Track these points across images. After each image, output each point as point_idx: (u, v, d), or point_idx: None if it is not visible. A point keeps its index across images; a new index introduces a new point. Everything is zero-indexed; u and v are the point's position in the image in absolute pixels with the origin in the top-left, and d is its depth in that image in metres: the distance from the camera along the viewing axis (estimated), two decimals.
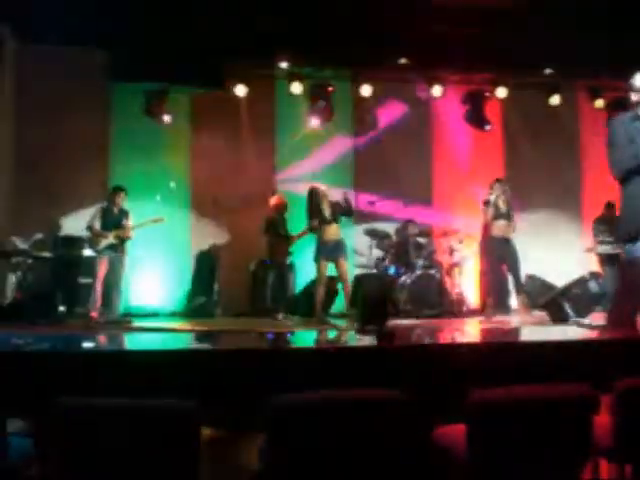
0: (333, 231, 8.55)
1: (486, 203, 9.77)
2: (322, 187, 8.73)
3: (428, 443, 2.74)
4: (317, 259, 8.57)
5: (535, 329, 6.64)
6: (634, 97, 4.82)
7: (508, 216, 9.65)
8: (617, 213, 10.47)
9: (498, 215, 9.58)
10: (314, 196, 8.61)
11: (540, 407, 2.50)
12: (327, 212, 8.57)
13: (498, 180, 9.96)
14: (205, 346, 3.87)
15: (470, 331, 5.23)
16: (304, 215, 8.73)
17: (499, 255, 9.59)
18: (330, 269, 8.62)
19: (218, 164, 10.35)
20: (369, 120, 11.01)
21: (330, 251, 8.54)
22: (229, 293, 10.21)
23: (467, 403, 2.45)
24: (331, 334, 6.02)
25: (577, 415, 2.51)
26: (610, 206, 10.74)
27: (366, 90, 10.75)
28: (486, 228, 9.99)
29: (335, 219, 8.60)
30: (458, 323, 9.01)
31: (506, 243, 9.64)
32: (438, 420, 2.74)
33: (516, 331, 5.71)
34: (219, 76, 9.53)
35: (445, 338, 3.94)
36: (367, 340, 3.65)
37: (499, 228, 9.63)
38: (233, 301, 10.13)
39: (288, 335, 5.78)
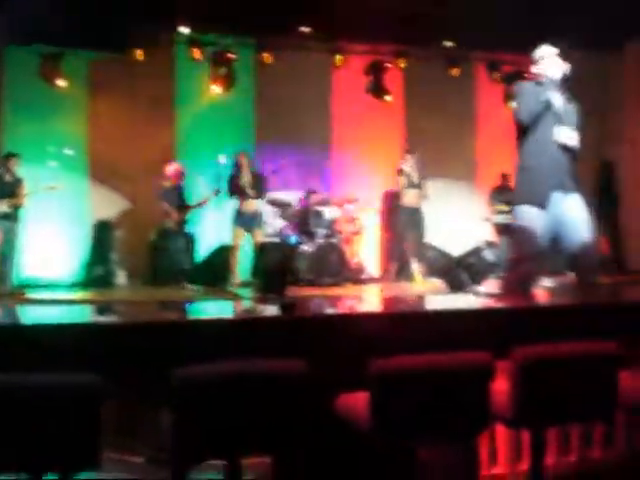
0: (251, 202, 8.57)
1: (399, 172, 9.95)
2: (245, 158, 8.73)
3: (330, 412, 2.78)
4: (233, 228, 8.60)
5: (434, 298, 6.80)
6: (535, 68, 5.01)
7: (419, 186, 9.87)
8: (511, 184, 10.88)
9: (410, 184, 9.79)
10: (236, 166, 8.66)
11: (439, 375, 2.56)
12: (246, 183, 8.59)
13: (410, 150, 10.14)
14: (106, 318, 3.80)
15: (371, 300, 5.32)
16: (204, 183, 8.71)
17: (406, 223, 9.81)
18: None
19: (116, 131, 10.10)
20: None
21: (246, 221, 8.58)
22: (129, 263, 10.03)
23: (369, 372, 2.49)
24: (234, 303, 5.99)
25: (475, 382, 2.59)
26: (505, 177, 11.09)
27: (268, 58, 10.66)
28: (396, 197, 10.17)
29: (255, 190, 8.64)
30: (359, 291, 9.15)
31: (415, 212, 9.87)
32: (341, 389, 2.77)
33: (416, 300, 5.83)
34: (120, 40, 9.24)
35: (347, 307, 3.99)
36: (269, 310, 3.66)
37: (409, 197, 9.84)
38: (134, 271, 9.96)
39: (190, 305, 5.72)
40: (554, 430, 3.46)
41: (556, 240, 4.90)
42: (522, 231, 4.86)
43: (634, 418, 3.75)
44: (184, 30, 9.96)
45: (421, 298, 6.32)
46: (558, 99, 4.89)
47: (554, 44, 5.07)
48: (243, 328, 2.91)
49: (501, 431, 2.85)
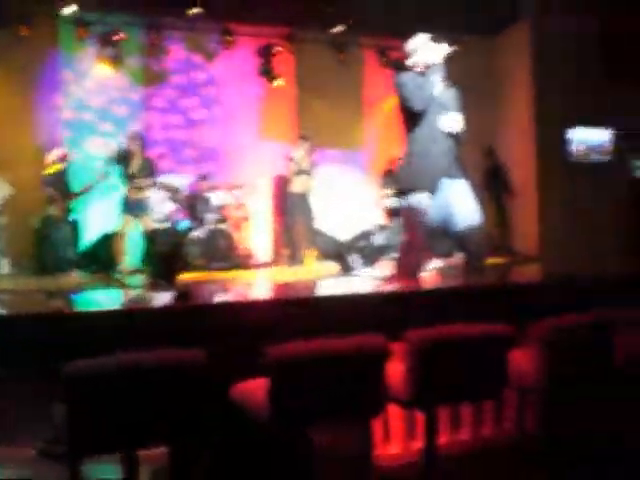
0: (140, 187, 8.38)
1: (290, 158, 9.96)
2: (135, 142, 8.52)
3: (227, 400, 2.75)
4: (121, 214, 8.40)
5: (327, 282, 6.85)
6: (412, 60, 5.05)
7: (308, 172, 9.92)
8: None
9: (300, 171, 9.82)
10: (126, 150, 8.45)
11: (335, 360, 2.57)
12: (135, 169, 8.39)
13: (303, 137, 10.15)
14: None
15: (265, 286, 5.30)
16: (88, 170, 8.48)
17: (295, 209, 9.85)
18: None
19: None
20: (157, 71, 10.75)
21: (135, 208, 8.40)
22: (13, 251, 9.61)
23: (265, 359, 2.48)
24: (123, 292, 5.85)
25: (370, 365, 2.62)
26: (395, 161, 11.27)
27: (157, 39, 10.41)
28: (286, 183, 10.18)
29: (145, 176, 8.45)
30: (249, 277, 9.11)
31: (303, 198, 9.91)
32: (237, 377, 2.75)
33: (310, 285, 5.85)
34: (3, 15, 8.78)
35: (241, 295, 3.96)
36: (163, 298, 3.58)
37: (299, 184, 9.87)
38: (17, 259, 9.55)
39: (79, 294, 5.54)
40: (446, 409, 3.55)
41: (445, 224, 5.01)
42: (413, 216, 4.93)
43: (523, 397, 3.89)
44: (69, 9, 9.56)
45: (315, 283, 6.35)
46: (439, 85, 4.96)
47: (443, 31, 5.15)
48: (136, 318, 2.83)
49: (395, 411, 2.89)
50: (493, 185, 11.09)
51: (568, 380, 3.06)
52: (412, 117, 4.95)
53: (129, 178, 8.41)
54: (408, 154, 5.02)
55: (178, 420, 2.42)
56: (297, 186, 9.94)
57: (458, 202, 4.93)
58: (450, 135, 4.95)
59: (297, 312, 3.01)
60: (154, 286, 7.25)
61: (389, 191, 11.04)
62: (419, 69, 5.00)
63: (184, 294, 2.90)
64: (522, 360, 3.04)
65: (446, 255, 8.99)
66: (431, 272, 5.34)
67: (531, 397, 3.96)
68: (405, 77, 5.00)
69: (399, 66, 11.13)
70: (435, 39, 5.03)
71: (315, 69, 11.30)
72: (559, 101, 11.18)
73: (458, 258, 7.24)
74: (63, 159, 9.21)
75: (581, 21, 10.50)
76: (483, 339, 2.85)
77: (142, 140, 8.74)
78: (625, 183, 12.25)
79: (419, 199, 4.88)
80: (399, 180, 5.13)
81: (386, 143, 11.76)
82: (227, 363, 2.71)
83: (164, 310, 2.89)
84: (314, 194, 10.11)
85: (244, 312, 2.93)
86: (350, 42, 11.53)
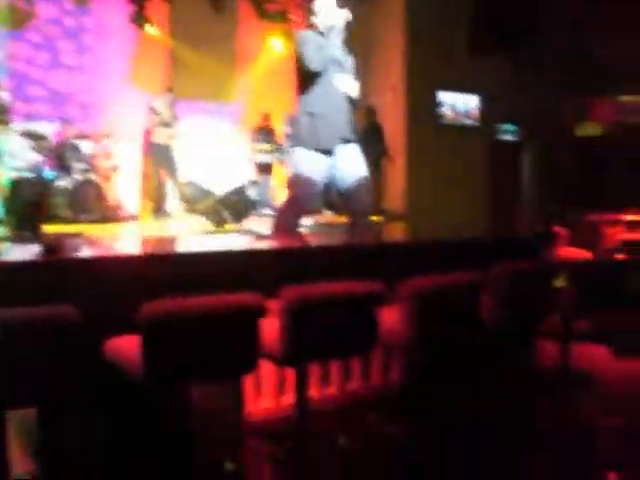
0: None
1: (151, 110, 9.73)
2: None
3: (99, 357, 2.70)
4: None
5: (203, 238, 6.79)
6: (315, 19, 5.05)
7: (171, 125, 9.75)
8: (271, 124, 11.08)
9: (162, 123, 9.62)
10: None
11: (210, 317, 2.56)
12: None
13: (167, 89, 9.93)
14: None
15: (138, 241, 5.18)
16: None
17: (159, 161, 9.69)
18: None
19: None
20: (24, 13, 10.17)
21: None
22: None
23: (138, 315, 2.45)
24: None
25: (244, 323, 2.62)
26: (266, 117, 11.26)
27: None
28: (148, 133, 9.96)
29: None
30: (119, 230, 8.90)
31: (166, 150, 9.76)
32: (110, 333, 2.70)
33: (184, 240, 5.78)
34: None
35: (112, 249, 3.86)
36: (27, 251, 3.44)
37: (161, 135, 9.68)
38: None
39: None
40: (317, 366, 3.62)
41: (332, 182, 5.06)
42: (299, 174, 4.94)
43: (390, 353, 4.03)
44: None
45: (189, 239, 6.28)
46: (338, 48, 4.99)
47: None
48: (3, 273, 2.71)
49: (266, 367, 2.93)
50: (370, 145, 11.26)
51: (435, 338, 3.18)
52: (309, 77, 4.93)
53: None
54: (303, 113, 4.99)
55: (48, 379, 2.35)
56: (160, 138, 9.78)
57: (347, 162, 4.97)
58: (346, 97, 4.99)
59: (172, 268, 2.97)
60: (18, 238, 6.95)
61: (261, 146, 11.04)
62: (320, 29, 5.00)
63: (52, 248, 2.79)
64: (391, 318, 3.13)
65: (314, 212, 9.13)
66: (308, 229, 5.39)
67: (398, 353, 4.11)
68: (306, 36, 4.97)
69: (278, 16, 11.17)
70: (338, 3, 5.05)
71: (189, 18, 11.07)
72: (429, 67, 11.45)
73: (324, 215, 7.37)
74: None
75: None
76: (355, 297, 2.91)
77: None
78: (489, 146, 12.76)
79: (310, 158, 4.89)
80: (292, 138, 5.11)
81: (260, 97, 11.70)
82: (99, 320, 2.66)
83: (31, 264, 2.78)
84: (177, 147, 9.97)
85: (116, 267, 2.86)
86: None
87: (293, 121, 5.09)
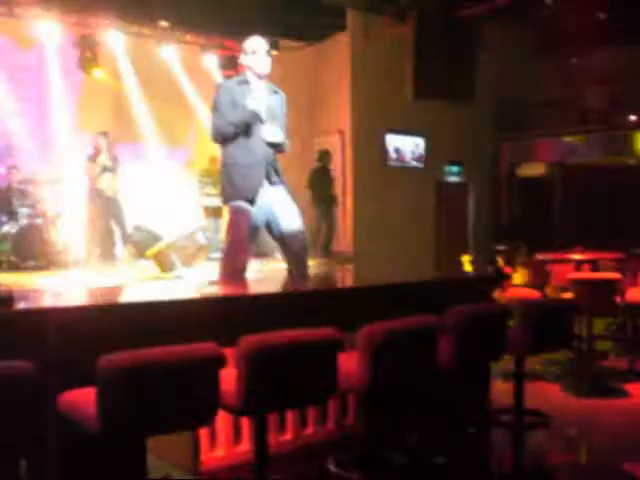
0: None
1: (89, 159, 9.69)
2: None
3: (54, 411, 2.64)
4: None
5: (154, 285, 6.72)
6: (244, 60, 4.97)
7: (112, 169, 9.70)
8: (219, 166, 11.08)
9: (103, 169, 9.59)
10: None
11: (166, 367, 2.52)
12: None
13: (102, 134, 9.86)
14: None
15: (91, 290, 5.09)
16: None
17: (105, 206, 9.62)
18: None
19: None
20: None
21: None
22: None
23: (96, 368, 2.41)
24: None
25: (202, 373, 2.60)
26: (212, 160, 11.26)
27: None
28: (92, 180, 9.89)
29: None
30: (67, 278, 8.74)
31: (111, 200, 9.70)
32: (65, 387, 2.64)
33: (137, 289, 5.71)
34: None
35: (67, 300, 3.80)
36: None
37: (104, 182, 9.64)
38: None
39: None
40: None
41: (267, 227, 5.06)
42: (237, 219, 4.93)
43: (345, 398, 4.03)
44: None
45: (142, 287, 6.21)
46: (263, 95, 4.84)
47: (269, 34, 5.12)
48: None
49: (221, 415, 2.89)
50: (320, 187, 11.32)
51: (393, 382, 3.19)
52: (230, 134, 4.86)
53: None
54: (227, 165, 4.92)
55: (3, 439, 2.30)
56: (103, 183, 9.73)
57: (279, 208, 4.97)
58: (270, 145, 4.92)
59: (128, 318, 2.94)
60: None
61: (208, 190, 11.02)
62: (245, 74, 4.95)
63: (6, 300, 2.73)
64: (348, 363, 3.13)
65: (264, 256, 9.13)
66: (255, 275, 5.37)
67: (354, 398, 4.12)
68: (224, 89, 4.87)
69: (228, 62, 11.23)
70: (269, 47, 4.99)
71: (138, 62, 11.08)
72: (375, 110, 11.64)
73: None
74: None
75: (398, 38, 10.96)
76: (313, 343, 2.91)
77: None
78: (433, 186, 12.97)
79: (241, 207, 4.87)
80: (222, 192, 5.06)
81: (207, 141, 11.71)
82: (54, 373, 2.61)
83: None
84: (122, 192, 9.93)
85: (71, 319, 2.81)
86: (174, 37, 11.39)
87: (222, 173, 5.01)
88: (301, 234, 5.04)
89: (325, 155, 11.42)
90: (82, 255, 10.60)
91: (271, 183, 4.95)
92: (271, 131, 4.86)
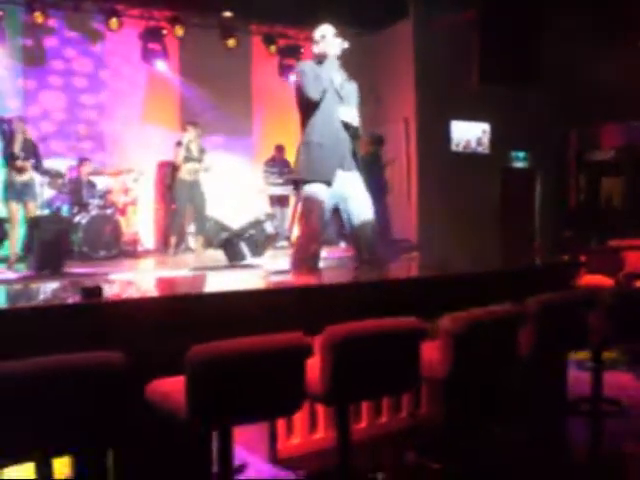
0: (20, 170, 8.01)
1: (178, 144, 9.79)
2: (19, 123, 8.13)
3: (142, 400, 2.68)
4: (5, 200, 8.04)
5: (231, 276, 6.79)
6: (316, 48, 5.11)
7: (198, 159, 9.79)
8: (285, 155, 11.10)
9: (189, 158, 9.68)
10: (8, 132, 8.07)
11: (255, 357, 2.56)
12: (17, 149, 8.02)
13: (192, 123, 9.97)
14: None
15: (174, 279, 5.17)
16: None
17: (185, 197, 9.72)
18: None
19: None
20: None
21: (18, 193, 8.05)
22: None
23: (186, 357, 2.44)
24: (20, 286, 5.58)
25: (290, 362, 2.62)
26: (279, 149, 11.29)
27: (39, 17, 9.90)
28: (174, 169, 10.00)
29: (27, 158, 8.09)
30: (139, 266, 8.90)
31: (193, 185, 9.79)
32: (153, 376, 2.69)
33: (215, 279, 5.77)
34: None
35: (155, 290, 3.87)
36: (70, 296, 3.43)
37: (188, 171, 9.73)
38: None
39: None
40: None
41: (338, 215, 5.07)
42: (310, 206, 4.96)
43: (421, 388, 4.02)
44: None
45: (220, 278, 6.26)
46: (338, 78, 5.05)
47: (332, 23, 5.22)
48: (42, 318, 2.70)
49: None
50: (371, 174, 11.18)
51: (474, 371, 3.17)
52: (308, 106, 5.00)
53: (10, 158, 8.03)
54: (304, 144, 5.04)
55: (92, 428, 2.34)
56: (186, 173, 9.79)
57: (352, 194, 4.99)
58: (347, 127, 5.02)
59: (216, 308, 2.97)
60: (39, 275, 6.98)
61: (274, 179, 11.07)
62: (320, 58, 5.07)
63: (95, 290, 2.79)
64: (430, 353, 3.12)
65: (330, 243, 9.13)
66: (325, 263, 5.39)
67: (428, 387, 4.10)
68: (304, 66, 5.06)
69: (289, 51, 11.28)
70: (337, 32, 5.11)
71: (202, 54, 11.18)
72: (440, 96, 11.50)
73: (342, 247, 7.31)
74: None
75: (462, 23, 10.82)
76: (397, 333, 2.91)
77: (24, 121, 8.37)
78: (499, 173, 12.78)
79: (316, 190, 4.92)
80: (295, 170, 5.13)
81: (272, 130, 11.77)
82: (143, 362, 2.65)
83: (73, 307, 2.78)
84: (204, 181, 10.00)
85: (157, 308, 2.86)
86: (238, 28, 11.45)
87: (298, 153, 5.11)
88: (372, 222, 5.05)
89: (378, 140, 11.27)
90: (152, 245, 10.82)
91: (346, 168, 4.99)
92: (348, 112, 4.95)
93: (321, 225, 4.95)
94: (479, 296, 3.53)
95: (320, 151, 4.93)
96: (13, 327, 2.57)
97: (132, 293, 3.48)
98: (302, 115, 5.11)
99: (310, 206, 4.96)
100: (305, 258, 4.93)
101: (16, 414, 2.16)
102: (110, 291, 3.22)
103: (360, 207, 5.00)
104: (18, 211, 8.15)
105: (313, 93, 4.90)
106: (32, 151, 8.24)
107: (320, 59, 5.08)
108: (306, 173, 4.99)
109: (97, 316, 2.75)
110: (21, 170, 8.04)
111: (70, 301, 2.95)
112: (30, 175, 8.15)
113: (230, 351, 2.50)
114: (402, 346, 2.91)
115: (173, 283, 4.36)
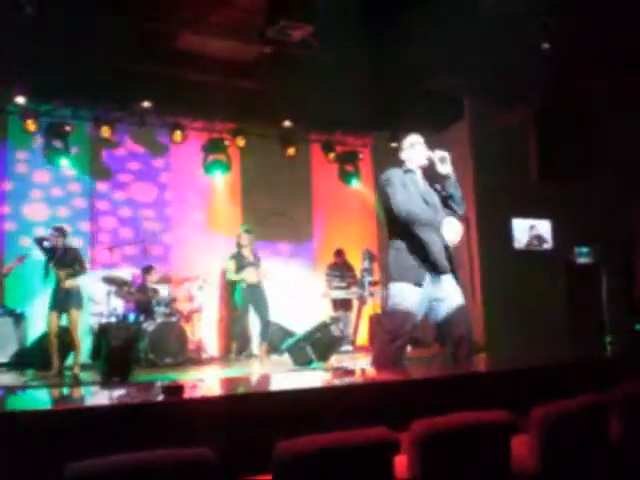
0: (66, 278, 8.13)
1: (231, 257, 9.96)
2: (55, 238, 8.31)
3: None
4: (49, 309, 8.13)
5: (304, 376, 6.71)
6: (403, 155, 5.14)
7: (254, 263, 9.89)
8: (346, 259, 11.14)
9: (244, 264, 9.80)
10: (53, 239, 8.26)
11: (344, 453, 2.48)
12: (60, 262, 8.16)
13: (246, 230, 10.16)
14: None
15: (259, 380, 5.13)
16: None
17: (248, 302, 9.78)
18: None
19: None
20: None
21: (62, 300, 8.12)
22: None
23: (274, 454, 2.38)
24: (86, 390, 5.60)
25: (378, 458, 2.53)
26: (339, 253, 11.36)
27: (106, 132, 10.35)
28: (234, 274, 10.09)
29: (70, 265, 8.20)
30: (204, 372, 8.89)
31: (256, 290, 9.85)
32: (239, 474, 2.63)
33: (291, 378, 5.72)
34: None
35: (230, 389, 3.83)
36: (152, 395, 3.43)
37: (248, 275, 9.82)
38: None
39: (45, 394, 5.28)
40: None
41: (431, 314, 4.98)
42: (395, 304, 4.89)
43: None
44: (20, 99, 9.46)
45: (289, 377, 6.21)
46: (423, 184, 5.07)
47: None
48: (125, 416, 2.69)
49: None
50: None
51: (569, 466, 3.03)
52: (394, 214, 4.91)
53: (55, 269, 8.18)
54: (393, 247, 4.97)
55: None
56: (247, 277, 9.89)
57: (446, 293, 4.92)
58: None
59: (301, 405, 2.92)
60: (108, 382, 7.00)
61: (336, 283, 11.07)
62: (407, 167, 5.10)
63: (176, 389, 2.77)
64: (520, 447, 2.99)
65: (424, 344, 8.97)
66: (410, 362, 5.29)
67: None
68: (392, 177, 4.96)
69: (347, 158, 11.45)
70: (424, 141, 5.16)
71: (262, 162, 11.46)
72: (500, 194, 11.51)
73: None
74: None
75: (518, 119, 10.91)
76: (485, 427, 2.80)
77: (64, 232, 8.51)
78: (563, 268, 12.57)
79: (405, 291, 4.85)
80: (388, 273, 5.07)
81: (333, 235, 11.88)
82: (227, 460, 2.60)
83: (155, 406, 2.76)
84: (266, 287, 10.07)
85: (238, 406, 2.82)
86: (297, 137, 11.74)
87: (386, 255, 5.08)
88: (467, 319, 4.98)
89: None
90: (216, 352, 10.83)
91: (441, 270, 4.92)
92: (453, 229, 4.80)
93: (406, 322, 4.85)
94: (564, 389, 3.41)
95: (409, 257, 4.87)
96: (101, 424, 2.56)
97: (209, 392, 3.45)
98: (389, 225, 5.08)
99: (396, 302, 4.87)
100: (386, 358, 4.83)
101: None
102: (189, 391, 3.20)
103: (455, 304, 4.91)
104: (57, 318, 8.19)
105: (402, 204, 4.84)
106: (74, 258, 8.35)
107: (407, 167, 5.11)
108: (396, 274, 4.93)
109: (180, 414, 2.73)
110: (66, 280, 8.16)
111: (153, 399, 2.93)
112: (75, 283, 8.24)
113: (317, 446, 2.43)
114: (491, 440, 2.79)
115: (250, 382, 4.32)
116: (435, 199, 5.07)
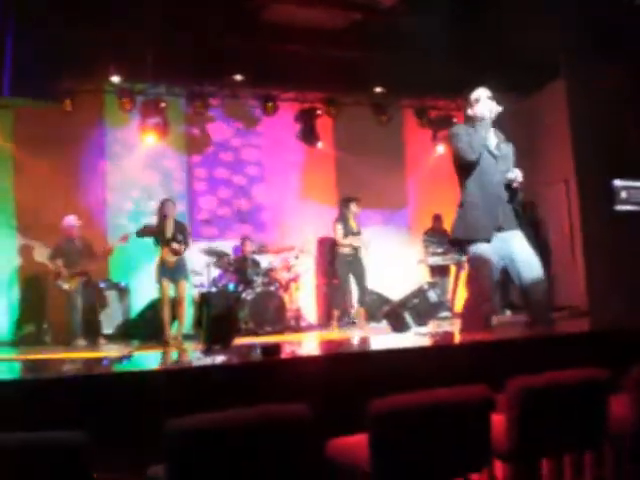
0: (173, 252, 8.39)
1: (337, 220, 10.00)
2: (170, 206, 8.57)
3: (322, 456, 2.67)
4: (158, 279, 8.40)
5: (402, 339, 6.75)
6: (470, 112, 5.11)
7: (358, 233, 9.95)
8: (444, 225, 11.04)
9: (348, 232, 9.85)
10: (160, 213, 8.53)
11: (440, 411, 2.50)
12: (169, 231, 8.43)
13: (349, 198, 10.17)
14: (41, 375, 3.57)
15: (349, 342, 5.21)
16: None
17: (346, 270, 9.84)
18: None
19: (45, 183, 9.73)
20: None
21: (170, 272, 8.39)
22: (59, 319, 9.56)
23: (368, 412, 2.41)
24: (192, 354, 5.80)
25: (475, 416, 2.54)
26: (437, 218, 11.23)
27: (199, 107, 10.52)
28: (335, 243, 10.17)
29: (176, 239, 8.45)
30: (305, 339, 9.03)
31: (355, 259, 9.91)
32: (333, 433, 2.68)
33: (393, 339, 5.77)
34: (53, 90, 8.86)
35: (328, 349, 3.91)
36: (253, 356, 3.53)
37: (350, 245, 9.87)
38: (64, 328, 9.49)
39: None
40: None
41: (507, 276, 4.96)
42: (478, 267, 4.89)
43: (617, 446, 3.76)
44: (115, 79, 9.74)
45: (394, 338, 6.26)
46: (493, 139, 5.05)
47: (486, 86, 5.23)
48: (226, 375, 2.79)
49: (499, 465, 2.79)
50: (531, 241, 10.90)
51: None
52: (464, 168, 5.00)
53: (163, 241, 8.42)
54: (460, 205, 5.04)
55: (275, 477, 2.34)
56: (347, 246, 9.94)
57: (518, 254, 4.89)
58: (507, 187, 4.97)
59: (389, 364, 2.96)
60: (210, 351, 7.18)
61: (434, 249, 10.98)
62: (474, 121, 5.07)
63: (274, 349, 2.85)
64: (618, 406, 2.94)
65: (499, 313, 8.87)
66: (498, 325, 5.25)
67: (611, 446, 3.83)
68: (458, 129, 5.10)
69: (441, 122, 11.35)
70: (492, 95, 5.11)
71: (355, 131, 11.42)
72: (600, 155, 11.13)
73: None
74: (70, 228, 9.10)
75: (615, 74, 10.50)
76: (583, 385, 2.77)
77: (174, 204, 8.75)
78: None
79: (482, 248, 4.85)
80: (454, 231, 5.11)
81: (428, 200, 11.78)
82: (323, 419, 2.65)
83: (255, 365, 2.85)
84: (364, 253, 10.10)
85: (335, 366, 2.88)
86: (389, 103, 11.64)
87: (457, 214, 5.09)
88: (542, 282, 4.90)
89: (534, 207, 10.96)
90: (314, 320, 10.98)
91: (507, 227, 4.91)
92: (510, 173, 4.92)
93: (491, 284, 4.86)
94: None
95: (475, 211, 4.91)
96: (203, 384, 2.66)
97: (305, 352, 3.53)
98: (459, 177, 5.12)
99: (478, 265, 4.89)
100: (476, 319, 4.83)
101: (209, 465, 2.20)
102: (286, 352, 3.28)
103: (529, 266, 4.88)
104: (168, 289, 8.47)
105: (468, 154, 4.90)
106: (182, 233, 8.58)
107: (474, 121, 5.07)
108: (462, 233, 4.97)
109: (277, 373, 2.80)
110: (177, 253, 8.40)
111: (252, 359, 3.03)
112: (182, 255, 8.49)
113: (412, 404, 2.46)
114: (585, 399, 2.76)
115: (343, 344, 4.38)
116: (508, 156, 5.05)
